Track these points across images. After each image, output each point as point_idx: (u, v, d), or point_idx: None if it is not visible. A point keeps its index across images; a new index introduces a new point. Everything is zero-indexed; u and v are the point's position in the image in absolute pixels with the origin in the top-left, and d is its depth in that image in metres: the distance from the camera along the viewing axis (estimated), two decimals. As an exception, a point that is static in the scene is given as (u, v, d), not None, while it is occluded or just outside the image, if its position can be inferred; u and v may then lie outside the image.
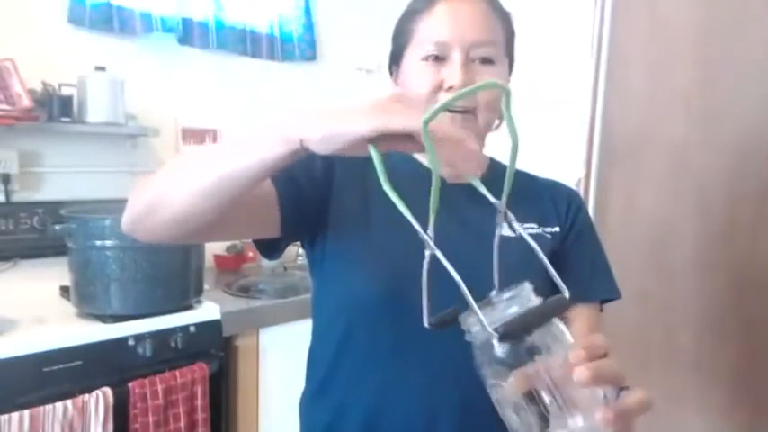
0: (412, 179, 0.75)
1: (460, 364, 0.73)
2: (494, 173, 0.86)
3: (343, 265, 0.80)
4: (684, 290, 1.62)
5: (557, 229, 0.86)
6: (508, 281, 0.68)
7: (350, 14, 2.59)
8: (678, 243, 1.63)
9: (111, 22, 1.97)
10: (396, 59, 0.87)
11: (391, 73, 0.91)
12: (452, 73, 0.77)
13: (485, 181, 0.85)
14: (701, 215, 1.58)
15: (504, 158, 0.86)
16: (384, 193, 0.53)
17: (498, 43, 0.80)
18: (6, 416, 1.33)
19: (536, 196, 0.88)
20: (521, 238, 0.78)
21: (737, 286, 1.53)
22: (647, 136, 1.68)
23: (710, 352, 1.57)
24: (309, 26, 2.49)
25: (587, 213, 0.93)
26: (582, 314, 0.85)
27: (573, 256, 0.86)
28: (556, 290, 0.65)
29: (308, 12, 2.48)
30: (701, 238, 1.58)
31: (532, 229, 0.83)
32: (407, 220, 0.58)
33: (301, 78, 2.50)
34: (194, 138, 2.23)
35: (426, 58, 0.78)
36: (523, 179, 0.88)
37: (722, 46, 1.53)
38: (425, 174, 0.82)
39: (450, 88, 0.77)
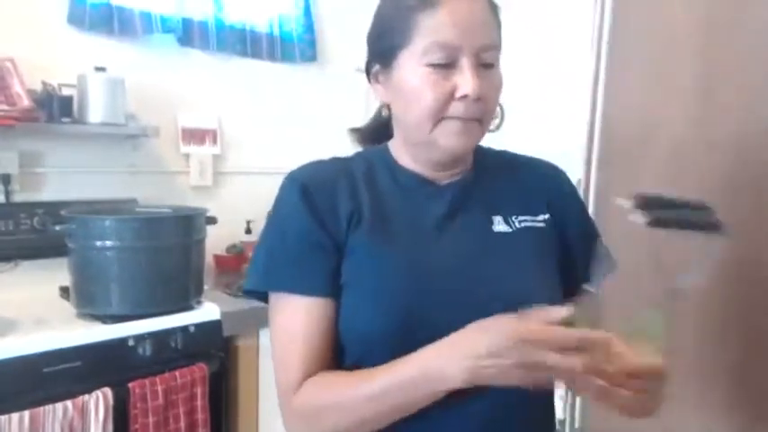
0: (392, 192, 0.79)
1: (471, 396, 0.72)
2: (481, 164, 0.85)
3: (354, 297, 0.76)
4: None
5: (548, 215, 0.84)
6: (517, 275, 0.70)
7: (350, 14, 2.58)
8: (678, 243, 1.63)
9: (111, 22, 1.97)
10: (385, 61, 0.78)
11: (368, 72, 0.84)
12: (465, 80, 0.71)
13: (472, 175, 0.85)
14: (701, 215, 1.58)
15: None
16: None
17: (500, 45, 0.76)
18: (6, 416, 1.33)
19: (522, 185, 0.85)
20: (520, 231, 0.79)
21: (737, 286, 1.53)
22: (647, 136, 1.68)
23: (710, 352, 1.57)
24: (309, 26, 2.48)
25: (569, 183, 0.90)
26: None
27: (571, 236, 0.85)
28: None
29: (307, 12, 2.48)
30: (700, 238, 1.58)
31: (526, 221, 0.81)
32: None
33: (301, 79, 2.50)
34: (194, 138, 2.22)
35: (433, 64, 0.72)
36: (506, 166, 0.87)
37: (723, 46, 1.53)
38: (403, 185, 0.81)
39: (465, 97, 0.71)
